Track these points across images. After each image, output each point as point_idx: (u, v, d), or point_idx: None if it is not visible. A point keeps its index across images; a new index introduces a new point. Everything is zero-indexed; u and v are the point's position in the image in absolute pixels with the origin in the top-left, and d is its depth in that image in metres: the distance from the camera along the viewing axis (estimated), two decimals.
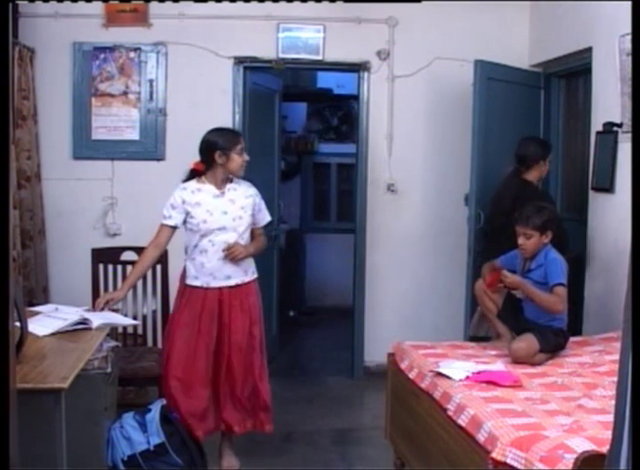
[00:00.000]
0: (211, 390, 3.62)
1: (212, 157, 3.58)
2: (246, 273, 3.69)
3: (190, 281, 3.64)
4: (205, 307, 3.58)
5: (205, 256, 3.60)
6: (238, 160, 3.60)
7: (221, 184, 3.64)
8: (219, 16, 5.01)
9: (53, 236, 5.03)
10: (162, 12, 5.01)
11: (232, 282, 3.63)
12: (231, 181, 3.68)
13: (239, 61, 5.15)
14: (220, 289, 3.61)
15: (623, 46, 3.81)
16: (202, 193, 3.61)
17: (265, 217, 3.80)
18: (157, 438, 3.29)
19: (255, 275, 3.78)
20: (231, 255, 3.55)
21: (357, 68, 5.26)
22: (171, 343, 3.60)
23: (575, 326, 4.16)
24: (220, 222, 3.59)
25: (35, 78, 4.91)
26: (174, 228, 3.64)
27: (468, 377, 3.06)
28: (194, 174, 3.67)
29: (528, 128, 5.00)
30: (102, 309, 3.42)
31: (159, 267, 4.39)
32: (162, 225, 3.65)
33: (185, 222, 3.62)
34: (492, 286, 3.64)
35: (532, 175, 4.32)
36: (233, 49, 5.12)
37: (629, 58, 3.65)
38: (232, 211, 3.62)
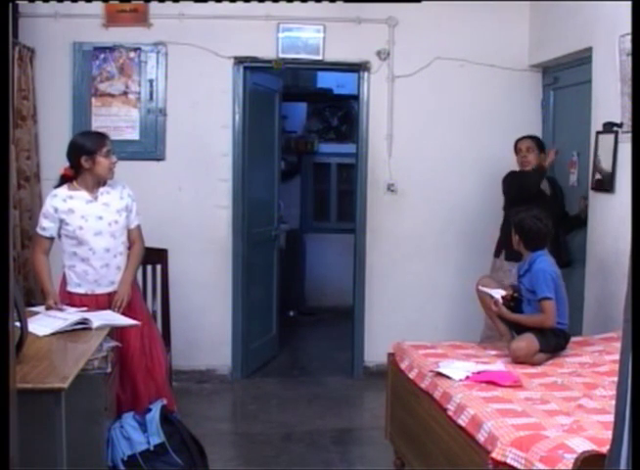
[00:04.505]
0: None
1: (79, 162, 3.55)
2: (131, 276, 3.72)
3: (73, 288, 3.64)
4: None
5: (87, 263, 3.61)
6: (105, 162, 3.57)
7: (93, 189, 3.62)
8: (219, 16, 5.00)
9: None
10: (162, 12, 5.00)
11: (116, 287, 3.65)
12: (104, 184, 3.65)
13: (239, 61, 5.14)
14: (109, 295, 3.62)
15: (623, 46, 3.81)
16: (74, 200, 3.58)
17: (134, 221, 3.76)
18: (157, 438, 3.29)
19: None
20: (120, 305, 3.57)
21: (357, 68, 5.25)
22: None
23: (575, 326, 4.16)
24: (96, 228, 3.58)
25: (35, 78, 4.90)
26: (51, 239, 3.64)
27: (468, 377, 3.06)
28: (65, 180, 3.63)
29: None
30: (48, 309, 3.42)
31: (159, 267, 4.39)
32: (39, 236, 3.64)
33: (60, 229, 3.60)
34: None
35: None
36: (233, 49, 5.12)
37: (629, 58, 3.65)
38: (107, 215, 3.61)
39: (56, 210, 3.57)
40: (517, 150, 4.70)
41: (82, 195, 3.60)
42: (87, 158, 3.54)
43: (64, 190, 3.61)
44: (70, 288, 3.65)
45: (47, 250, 3.66)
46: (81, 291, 3.63)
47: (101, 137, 3.66)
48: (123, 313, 3.56)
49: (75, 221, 3.57)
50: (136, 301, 3.76)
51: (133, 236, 3.76)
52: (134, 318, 3.55)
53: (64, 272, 3.69)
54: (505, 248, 4.60)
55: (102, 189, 3.64)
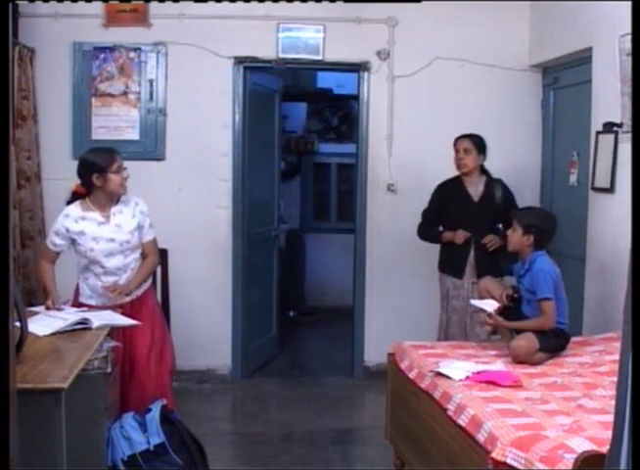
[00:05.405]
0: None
1: (90, 180, 3.53)
2: (139, 287, 3.71)
3: (85, 300, 3.65)
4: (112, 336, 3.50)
5: (99, 279, 3.62)
6: (116, 179, 3.54)
7: (106, 206, 3.60)
8: (219, 16, 5.00)
9: None
10: (162, 12, 5.00)
11: (127, 299, 3.64)
12: (117, 201, 3.63)
13: (239, 61, 5.15)
14: (121, 306, 3.60)
15: (623, 46, 3.81)
16: (86, 221, 3.57)
17: (146, 235, 3.72)
18: (157, 438, 3.29)
19: (148, 283, 3.80)
20: (114, 295, 3.55)
21: (357, 68, 5.25)
22: None
23: (575, 326, 4.16)
24: (107, 249, 3.58)
25: (35, 78, 4.90)
26: (59, 252, 3.65)
27: (468, 377, 3.06)
28: (76, 196, 3.61)
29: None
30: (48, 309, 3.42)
31: (158, 268, 4.39)
32: (48, 249, 3.66)
33: (72, 245, 3.60)
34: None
35: None
36: (233, 49, 5.12)
37: (629, 58, 3.65)
38: (119, 237, 3.60)
39: (67, 230, 3.57)
40: (454, 149, 4.48)
41: (94, 216, 3.58)
42: (98, 176, 3.51)
43: (76, 210, 3.59)
44: (83, 299, 3.66)
45: (53, 261, 3.68)
46: (93, 303, 3.64)
47: (111, 153, 3.62)
48: (132, 316, 3.57)
49: (87, 243, 3.57)
50: (147, 308, 3.73)
51: (147, 250, 3.73)
52: (142, 325, 3.57)
53: (77, 284, 3.72)
54: (439, 259, 4.60)
55: (114, 208, 3.62)
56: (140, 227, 3.68)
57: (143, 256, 3.74)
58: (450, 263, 4.52)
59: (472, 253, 4.42)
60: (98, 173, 3.52)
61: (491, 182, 4.51)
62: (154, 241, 3.78)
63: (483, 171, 4.53)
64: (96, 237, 3.57)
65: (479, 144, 4.47)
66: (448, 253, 4.53)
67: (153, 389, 3.65)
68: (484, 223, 4.41)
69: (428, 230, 4.58)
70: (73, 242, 3.60)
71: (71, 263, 3.75)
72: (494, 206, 4.43)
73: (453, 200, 4.48)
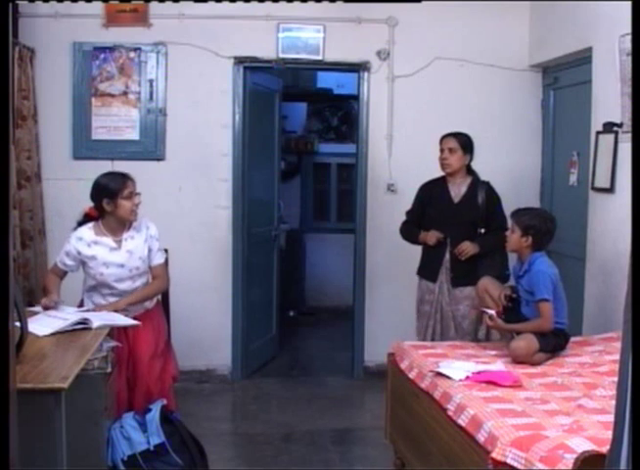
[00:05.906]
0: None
1: (102, 204, 3.53)
2: (143, 305, 3.71)
3: None
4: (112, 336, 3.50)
5: (105, 299, 3.62)
6: (126, 205, 3.52)
7: (118, 232, 3.60)
8: (219, 16, 5.00)
9: (53, 236, 5.02)
10: (162, 12, 5.00)
11: (130, 315, 3.60)
12: (129, 227, 3.62)
13: (239, 61, 5.15)
14: None
15: (623, 46, 3.81)
16: (98, 246, 3.56)
17: (154, 259, 3.71)
18: (157, 438, 3.29)
19: (154, 302, 3.79)
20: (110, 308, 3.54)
21: (357, 68, 5.25)
22: None
23: (575, 326, 4.16)
24: (117, 275, 3.59)
25: (35, 78, 4.90)
26: (67, 272, 3.66)
27: (468, 377, 3.06)
28: (89, 218, 3.61)
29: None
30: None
31: None
32: (57, 266, 3.65)
33: (83, 265, 3.60)
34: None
35: None
36: (233, 49, 5.12)
37: (629, 58, 3.65)
38: (130, 263, 3.60)
39: (79, 252, 3.57)
40: (440, 148, 4.32)
41: (107, 242, 3.58)
42: (109, 200, 3.51)
43: (90, 233, 3.58)
44: None
45: (61, 277, 3.67)
46: None
47: (124, 179, 3.58)
48: (135, 331, 3.56)
49: (97, 268, 3.57)
50: (151, 323, 3.72)
51: (155, 273, 3.72)
52: (144, 337, 3.58)
53: (82, 299, 3.72)
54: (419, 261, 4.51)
55: (126, 234, 3.61)
56: (149, 251, 3.68)
57: (152, 279, 3.74)
58: (425, 266, 4.40)
59: (447, 256, 4.26)
60: (108, 198, 3.51)
61: (476, 184, 4.34)
62: (162, 265, 3.77)
63: (470, 172, 4.38)
64: (107, 262, 3.57)
65: (465, 143, 4.29)
66: (426, 255, 4.41)
67: (157, 395, 3.65)
68: (463, 226, 4.24)
69: (408, 230, 4.47)
70: (84, 264, 3.60)
71: (78, 278, 3.75)
72: (475, 208, 4.25)
73: (433, 200, 4.35)
